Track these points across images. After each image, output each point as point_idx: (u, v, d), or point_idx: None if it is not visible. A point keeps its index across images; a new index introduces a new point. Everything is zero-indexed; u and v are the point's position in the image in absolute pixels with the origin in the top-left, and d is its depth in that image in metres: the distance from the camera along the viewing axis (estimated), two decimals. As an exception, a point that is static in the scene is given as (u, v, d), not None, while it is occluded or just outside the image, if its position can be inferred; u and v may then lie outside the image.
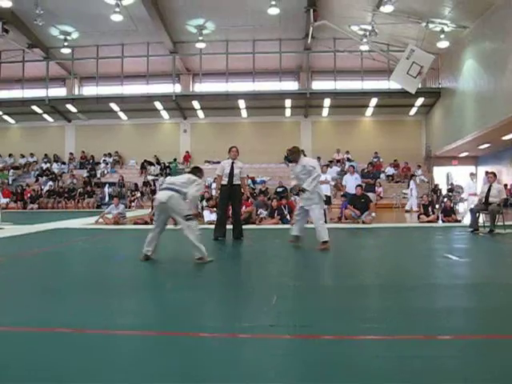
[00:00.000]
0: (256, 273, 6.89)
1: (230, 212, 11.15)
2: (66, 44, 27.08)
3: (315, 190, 8.84)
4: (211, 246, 9.21)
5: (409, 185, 23.14)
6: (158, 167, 30.09)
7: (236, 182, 10.57)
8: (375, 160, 28.40)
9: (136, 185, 28.37)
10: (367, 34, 22.98)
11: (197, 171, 7.85)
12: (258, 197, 19.05)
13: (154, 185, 27.81)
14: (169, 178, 8.17)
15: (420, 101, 28.12)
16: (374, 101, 28.66)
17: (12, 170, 31.22)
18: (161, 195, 7.28)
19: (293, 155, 9.32)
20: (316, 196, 8.87)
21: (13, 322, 4.12)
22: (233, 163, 10.56)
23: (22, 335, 3.82)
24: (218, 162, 28.92)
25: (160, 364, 3.12)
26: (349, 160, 28.60)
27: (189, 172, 7.96)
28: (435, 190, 25.04)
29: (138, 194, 27.15)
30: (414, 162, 28.93)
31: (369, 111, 30.14)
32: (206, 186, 24.75)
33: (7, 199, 25.81)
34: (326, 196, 16.17)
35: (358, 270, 6.95)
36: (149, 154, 30.65)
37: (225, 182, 10.57)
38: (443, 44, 22.51)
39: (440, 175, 28.66)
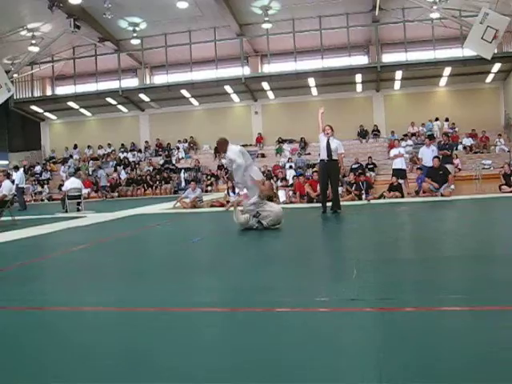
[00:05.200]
0: (334, 247, 6.91)
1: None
2: (134, 35, 27.83)
3: (245, 179, 8.79)
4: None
5: None
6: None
7: (334, 157, 10.96)
8: (451, 131, 27.50)
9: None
10: (437, 0, 22.16)
11: None
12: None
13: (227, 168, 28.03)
14: None
15: (497, 67, 26.70)
16: (447, 70, 27.51)
17: (91, 161, 32.31)
18: None
19: (220, 147, 9.42)
20: (253, 186, 8.77)
21: (99, 303, 4.29)
22: (328, 139, 10.96)
23: (108, 315, 3.98)
24: (291, 141, 29.25)
25: (238, 340, 3.15)
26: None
27: None
28: None
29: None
30: (492, 132, 27.69)
31: (443, 81, 29.05)
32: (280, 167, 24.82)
33: (88, 189, 26.71)
34: (401, 170, 16.16)
35: (440, 242, 6.76)
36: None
37: (323, 157, 11.02)
38: (520, 5, 21.40)
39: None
